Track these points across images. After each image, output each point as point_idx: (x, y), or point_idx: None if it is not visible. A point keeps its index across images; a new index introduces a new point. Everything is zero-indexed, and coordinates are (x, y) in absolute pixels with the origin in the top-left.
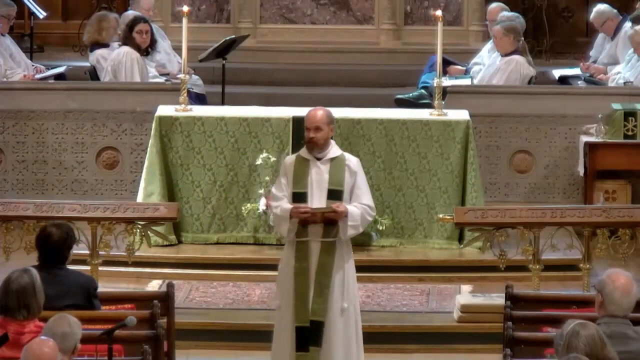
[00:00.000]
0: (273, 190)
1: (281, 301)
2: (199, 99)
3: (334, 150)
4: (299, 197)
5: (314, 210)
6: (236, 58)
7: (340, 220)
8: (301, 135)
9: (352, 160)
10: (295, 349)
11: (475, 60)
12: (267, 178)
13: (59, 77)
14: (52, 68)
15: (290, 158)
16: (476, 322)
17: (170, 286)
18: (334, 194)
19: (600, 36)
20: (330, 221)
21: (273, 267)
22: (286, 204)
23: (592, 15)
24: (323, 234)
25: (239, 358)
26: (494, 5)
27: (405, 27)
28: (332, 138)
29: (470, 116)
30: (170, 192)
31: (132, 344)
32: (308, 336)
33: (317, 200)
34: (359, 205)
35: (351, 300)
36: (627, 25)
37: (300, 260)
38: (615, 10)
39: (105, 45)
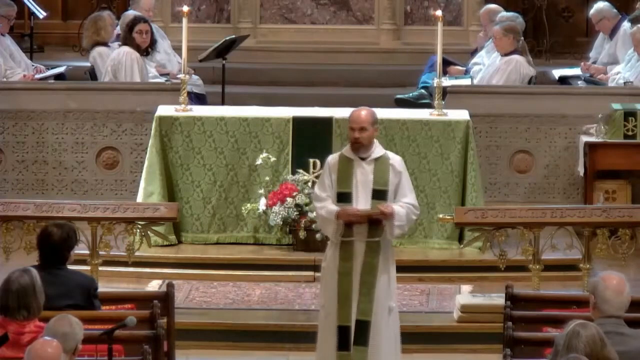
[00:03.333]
0: (316, 190)
1: (325, 300)
2: (199, 99)
3: (377, 149)
4: (344, 197)
5: (363, 213)
6: (236, 58)
7: (387, 221)
8: (302, 135)
9: (396, 160)
10: (337, 348)
11: (475, 60)
12: (267, 178)
13: (59, 77)
14: (52, 68)
15: (334, 157)
16: (476, 322)
17: (170, 286)
18: (379, 194)
19: (600, 37)
20: (374, 221)
21: (273, 267)
22: (331, 205)
23: (591, 12)
24: (368, 234)
25: (239, 358)
26: (483, 9)
27: (405, 27)
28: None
29: (470, 116)
30: (170, 192)
31: (132, 344)
32: (352, 335)
33: (362, 200)
34: (404, 205)
35: (395, 299)
36: (626, 25)
37: (345, 260)
38: (614, 10)
39: (106, 44)
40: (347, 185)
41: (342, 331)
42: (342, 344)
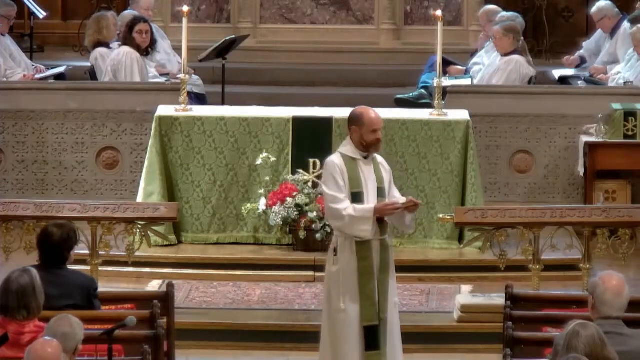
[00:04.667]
0: (331, 192)
1: (346, 304)
2: (199, 99)
3: None
4: (356, 196)
5: (403, 205)
6: (236, 58)
7: (410, 213)
8: (302, 135)
9: (381, 159)
10: (365, 348)
11: (475, 60)
12: (267, 178)
13: (59, 77)
14: (52, 68)
15: (337, 158)
16: (476, 322)
17: (170, 286)
18: (381, 192)
19: (601, 37)
20: (381, 219)
21: (273, 267)
22: (361, 205)
23: (592, 10)
24: (381, 232)
25: (239, 358)
26: (481, 10)
27: (405, 27)
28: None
29: (470, 116)
30: (170, 192)
31: (132, 344)
32: (378, 334)
33: (371, 198)
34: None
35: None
36: (626, 25)
37: (364, 259)
38: (616, 9)
39: (107, 44)
40: (358, 184)
41: (369, 331)
42: (371, 343)
